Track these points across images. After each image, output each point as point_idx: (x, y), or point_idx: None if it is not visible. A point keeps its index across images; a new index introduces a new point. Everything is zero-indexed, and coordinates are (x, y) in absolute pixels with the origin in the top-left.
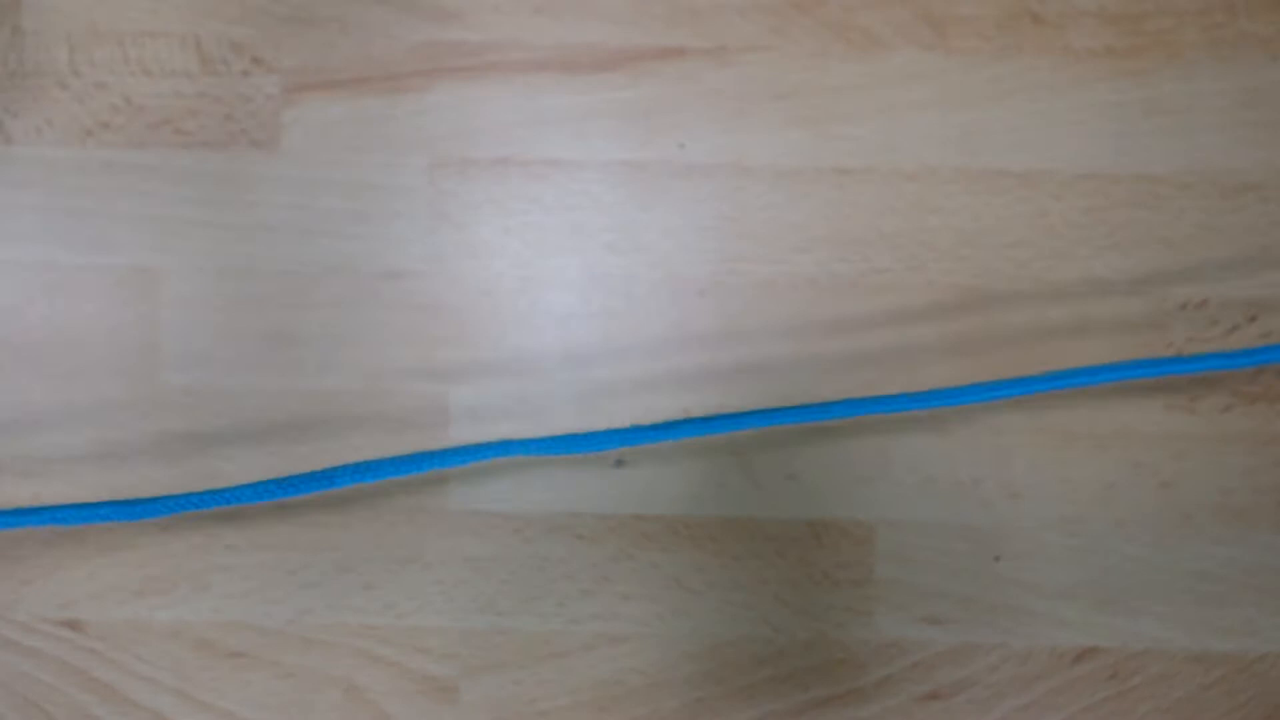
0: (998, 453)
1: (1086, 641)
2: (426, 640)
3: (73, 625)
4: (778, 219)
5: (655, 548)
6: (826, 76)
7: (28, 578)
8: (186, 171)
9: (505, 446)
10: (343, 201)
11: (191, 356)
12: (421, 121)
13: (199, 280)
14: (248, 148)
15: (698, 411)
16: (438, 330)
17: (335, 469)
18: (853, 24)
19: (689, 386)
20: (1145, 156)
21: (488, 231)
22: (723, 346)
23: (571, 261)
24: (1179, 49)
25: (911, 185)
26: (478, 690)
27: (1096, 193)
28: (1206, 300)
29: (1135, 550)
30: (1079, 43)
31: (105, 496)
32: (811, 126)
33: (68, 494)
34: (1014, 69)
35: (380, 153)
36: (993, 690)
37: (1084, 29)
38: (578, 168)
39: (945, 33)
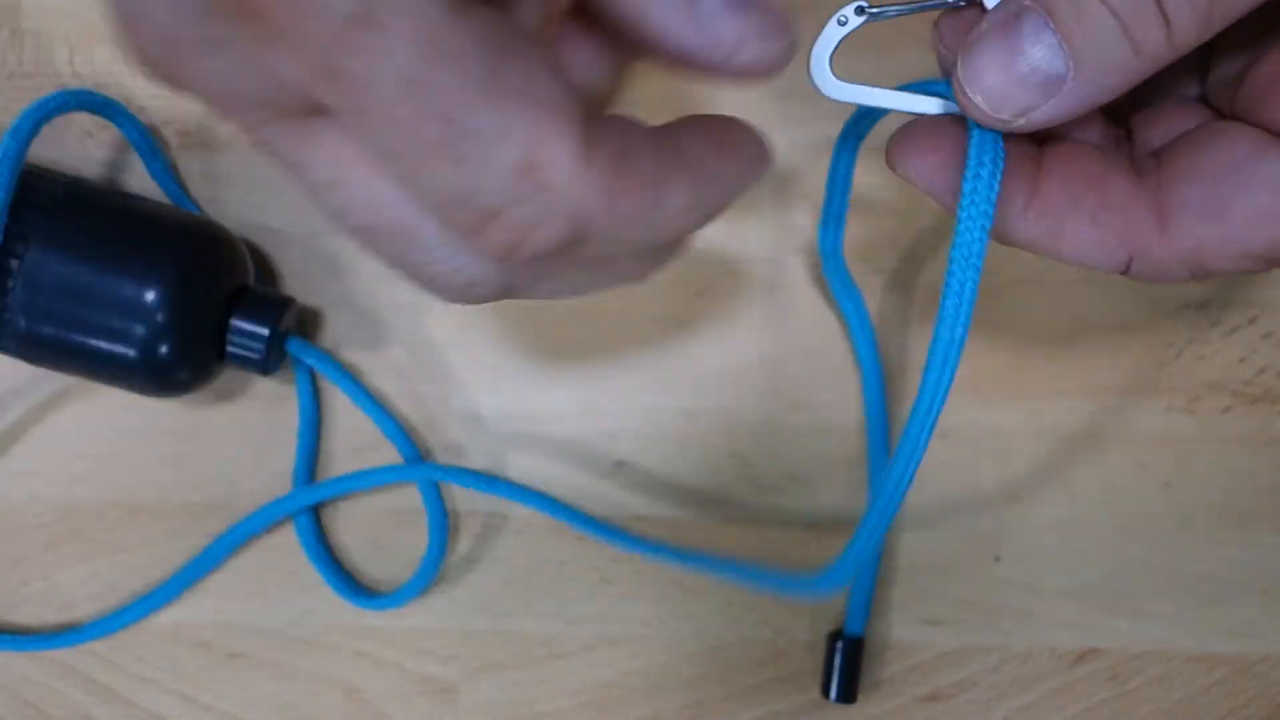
0: (998, 454)
1: (1087, 643)
2: (426, 641)
3: (72, 626)
4: (778, 219)
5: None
6: None
7: (27, 578)
8: (186, 172)
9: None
10: None
11: None
12: None
13: None
14: (247, 149)
15: (698, 410)
16: (437, 330)
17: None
18: None
19: (689, 386)
20: None
21: None
22: (722, 347)
23: None
24: None
25: (912, 185)
26: (478, 692)
27: None
28: (1207, 301)
29: (1136, 551)
30: None
31: (103, 494)
32: (812, 127)
33: (66, 493)
34: None
35: None
36: (993, 692)
37: None
38: None
39: None
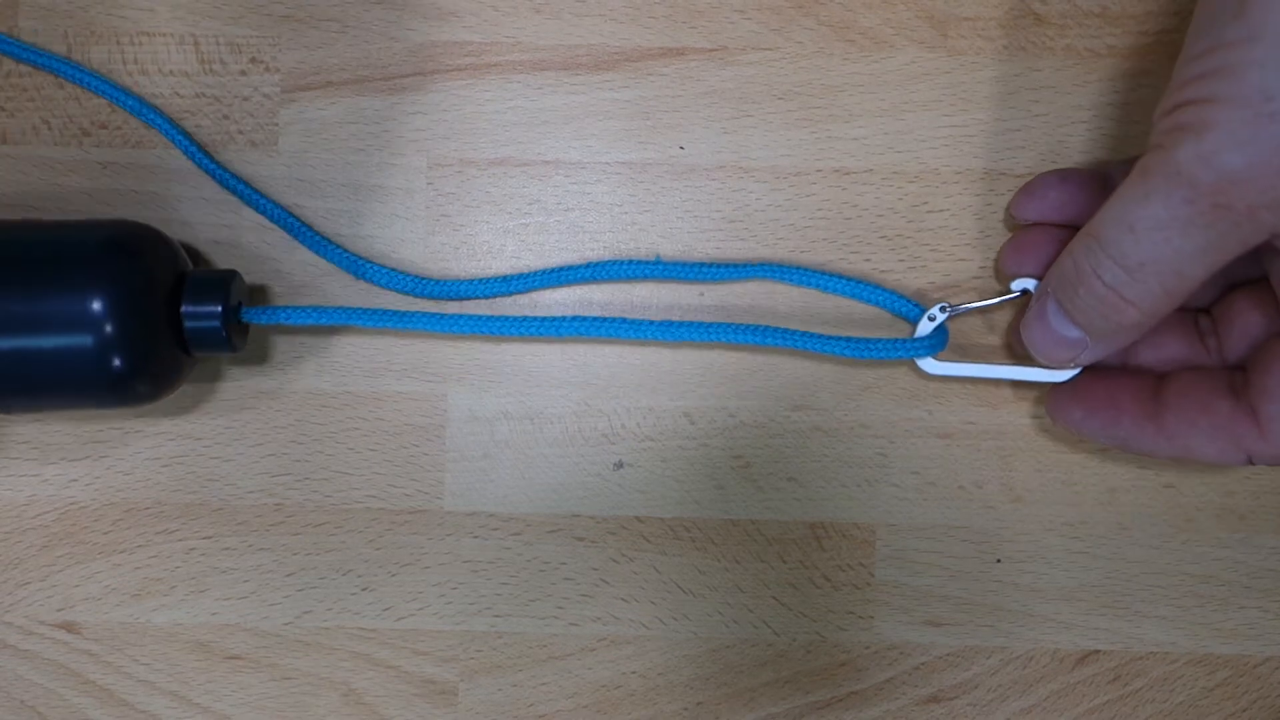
0: (1000, 455)
1: (1088, 645)
2: (425, 643)
3: (69, 627)
4: (778, 219)
5: (655, 550)
6: (827, 76)
7: (24, 580)
8: (184, 172)
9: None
10: (342, 202)
11: None
12: (421, 121)
13: None
14: (246, 148)
15: (698, 412)
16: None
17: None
18: (854, 24)
19: (689, 386)
20: None
21: (488, 231)
22: (723, 346)
23: (571, 261)
24: (1181, 49)
25: (912, 185)
26: (476, 693)
27: None
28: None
29: (1137, 553)
30: (1081, 43)
31: (100, 495)
32: (812, 127)
33: (63, 494)
34: (1016, 69)
35: (379, 153)
36: (994, 694)
37: (1086, 29)
38: (578, 168)
39: (947, 33)
